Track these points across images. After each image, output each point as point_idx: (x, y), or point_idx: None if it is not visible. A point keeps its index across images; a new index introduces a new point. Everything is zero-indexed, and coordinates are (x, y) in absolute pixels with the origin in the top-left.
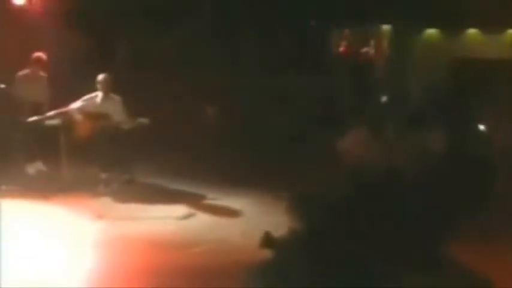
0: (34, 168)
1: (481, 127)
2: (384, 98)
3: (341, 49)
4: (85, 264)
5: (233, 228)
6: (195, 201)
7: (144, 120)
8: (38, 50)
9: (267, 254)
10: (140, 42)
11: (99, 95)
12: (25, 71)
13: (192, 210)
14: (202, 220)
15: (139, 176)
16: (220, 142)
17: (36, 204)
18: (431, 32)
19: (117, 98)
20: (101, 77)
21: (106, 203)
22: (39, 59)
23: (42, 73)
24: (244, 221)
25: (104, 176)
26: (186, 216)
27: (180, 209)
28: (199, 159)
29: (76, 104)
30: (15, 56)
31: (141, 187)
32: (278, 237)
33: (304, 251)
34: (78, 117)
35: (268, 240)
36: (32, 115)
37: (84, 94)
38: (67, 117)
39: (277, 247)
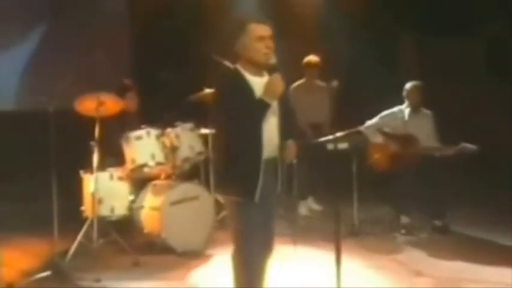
0: (305, 206)
1: None
2: None
3: None
4: None
5: None
6: None
7: (468, 147)
8: (312, 52)
9: None
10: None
11: (405, 110)
12: (298, 83)
13: None
14: None
15: (454, 223)
16: None
17: (322, 253)
18: None
19: (428, 114)
20: (410, 85)
21: (417, 256)
22: (313, 64)
23: (319, 83)
24: None
25: (405, 219)
26: None
27: None
28: None
29: (373, 122)
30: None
31: (459, 238)
32: None
33: None
34: (376, 139)
35: None
36: (311, 137)
37: (380, 109)
38: (360, 140)
39: None
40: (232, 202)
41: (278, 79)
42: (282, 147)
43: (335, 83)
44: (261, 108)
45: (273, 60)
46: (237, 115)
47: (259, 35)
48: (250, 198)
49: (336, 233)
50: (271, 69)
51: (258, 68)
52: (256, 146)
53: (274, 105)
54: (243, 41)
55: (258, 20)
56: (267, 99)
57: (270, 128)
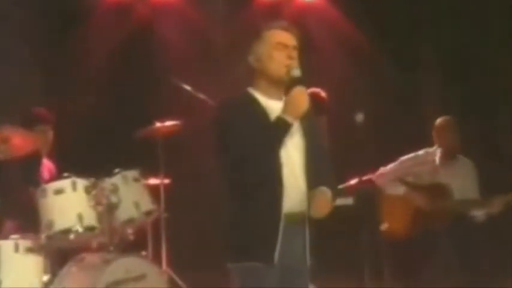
0: None
1: None
2: None
3: None
4: None
5: None
6: None
7: None
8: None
9: None
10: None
11: (435, 154)
12: None
13: None
14: None
15: None
16: None
17: None
18: None
19: (468, 162)
20: (440, 121)
21: None
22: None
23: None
24: None
25: None
26: None
27: None
28: None
29: (389, 169)
30: None
31: None
32: None
33: None
34: (396, 190)
35: None
36: None
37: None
38: (371, 193)
39: None
40: (242, 270)
41: (302, 92)
42: (310, 196)
43: (360, 117)
44: (279, 129)
45: (296, 72)
46: (248, 145)
47: (278, 41)
48: (267, 260)
49: None
50: (293, 83)
51: (278, 86)
52: (273, 191)
53: (298, 139)
54: (258, 51)
55: (279, 26)
56: (287, 118)
57: (293, 168)
